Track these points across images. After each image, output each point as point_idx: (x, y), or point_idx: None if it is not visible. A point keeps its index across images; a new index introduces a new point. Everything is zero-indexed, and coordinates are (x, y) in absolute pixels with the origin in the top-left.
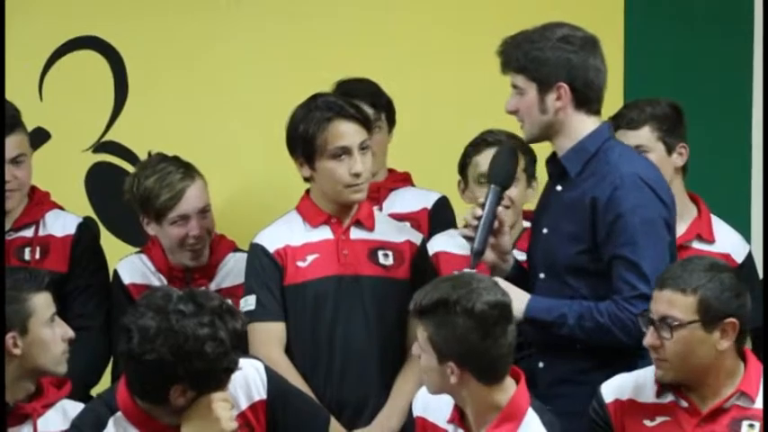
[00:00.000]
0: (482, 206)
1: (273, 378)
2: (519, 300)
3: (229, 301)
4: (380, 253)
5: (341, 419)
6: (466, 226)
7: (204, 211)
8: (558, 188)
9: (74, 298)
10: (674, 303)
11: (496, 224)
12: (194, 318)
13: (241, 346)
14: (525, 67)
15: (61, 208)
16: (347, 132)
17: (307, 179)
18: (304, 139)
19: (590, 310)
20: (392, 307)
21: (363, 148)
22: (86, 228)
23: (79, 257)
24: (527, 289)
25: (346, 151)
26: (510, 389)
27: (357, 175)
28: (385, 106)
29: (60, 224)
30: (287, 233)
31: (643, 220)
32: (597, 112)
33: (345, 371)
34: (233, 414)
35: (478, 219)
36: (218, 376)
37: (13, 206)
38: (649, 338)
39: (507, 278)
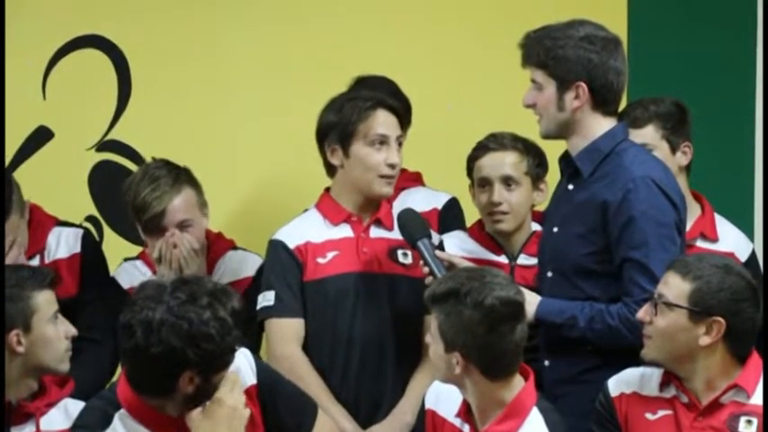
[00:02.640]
0: (425, 263)
1: (260, 365)
2: (529, 302)
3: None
4: (400, 252)
5: (357, 416)
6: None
7: (185, 225)
8: (570, 187)
9: (82, 310)
10: (670, 284)
11: (446, 264)
12: (193, 302)
13: (240, 325)
14: (546, 64)
15: (56, 219)
16: (388, 122)
17: (330, 169)
18: (343, 125)
19: (600, 312)
20: (410, 305)
21: (399, 143)
22: (89, 240)
23: (88, 271)
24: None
25: (385, 140)
26: (517, 386)
27: (392, 166)
28: (402, 105)
29: (64, 244)
30: (307, 230)
31: (655, 223)
32: (614, 114)
33: (362, 368)
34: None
35: (430, 274)
36: (225, 356)
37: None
38: (641, 312)
39: None
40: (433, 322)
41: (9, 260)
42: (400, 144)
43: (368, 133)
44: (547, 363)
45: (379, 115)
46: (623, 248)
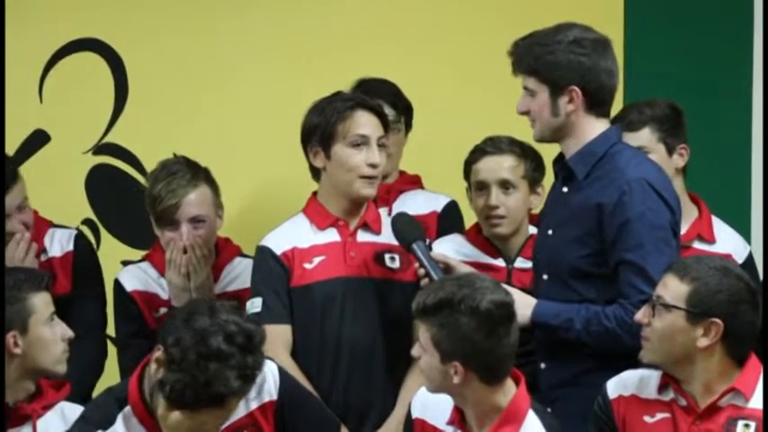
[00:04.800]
0: (420, 265)
1: (286, 380)
2: (525, 305)
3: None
4: (387, 256)
5: (346, 422)
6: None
7: (197, 221)
8: (565, 189)
9: (73, 306)
10: (668, 286)
11: (442, 266)
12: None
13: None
14: (537, 70)
15: (51, 223)
16: (368, 123)
17: (316, 173)
18: (323, 126)
19: (597, 314)
20: (398, 310)
21: (381, 144)
22: (82, 240)
23: (80, 269)
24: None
25: (365, 141)
26: (510, 391)
27: (373, 166)
28: (405, 109)
29: (57, 243)
30: (294, 235)
31: (651, 226)
32: (607, 115)
33: (351, 374)
34: None
35: (425, 276)
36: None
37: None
38: (640, 314)
39: None
40: (422, 334)
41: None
42: (382, 145)
43: (347, 134)
44: (543, 365)
45: (358, 116)
46: (619, 251)
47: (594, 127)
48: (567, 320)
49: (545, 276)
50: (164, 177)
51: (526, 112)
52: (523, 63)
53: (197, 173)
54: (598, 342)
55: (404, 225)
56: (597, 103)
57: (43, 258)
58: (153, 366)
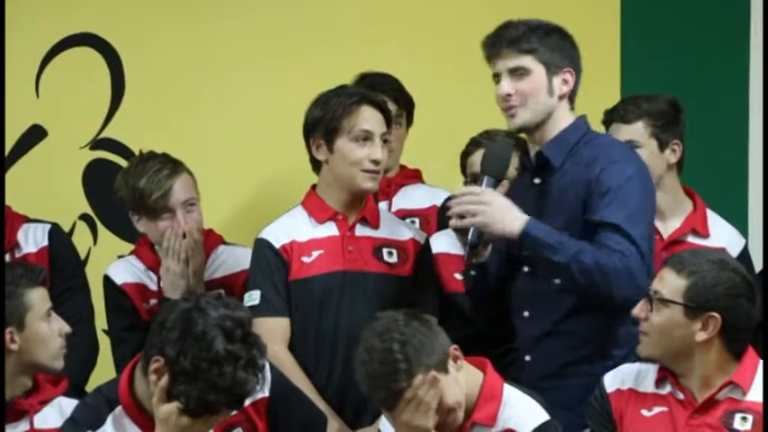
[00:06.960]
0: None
1: (277, 377)
2: (516, 218)
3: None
4: (385, 250)
5: (343, 416)
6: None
7: (189, 204)
8: (537, 181)
9: (57, 302)
10: (666, 280)
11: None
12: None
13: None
14: (537, 50)
15: (26, 218)
16: (373, 118)
17: (317, 165)
18: (328, 119)
19: (593, 249)
20: (396, 304)
21: (384, 140)
22: (57, 233)
23: (56, 263)
24: (505, 282)
25: (369, 136)
26: (479, 375)
27: (376, 162)
28: (407, 104)
29: (32, 239)
30: (293, 228)
31: (641, 191)
32: (573, 108)
33: (348, 366)
34: None
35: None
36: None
37: None
38: (637, 308)
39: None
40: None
41: None
42: (385, 141)
43: (352, 129)
44: (528, 358)
45: (363, 111)
46: (603, 211)
47: (569, 116)
48: (559, 241)
49: (526, 269)
50: (146, 172)
51: (510, 95)
52: (522, 41)
53: (176, 163)
54: (581, 277)
55: (495, 156)
56: (574, 93)
57: (17, 255)
58: (153, 377)
